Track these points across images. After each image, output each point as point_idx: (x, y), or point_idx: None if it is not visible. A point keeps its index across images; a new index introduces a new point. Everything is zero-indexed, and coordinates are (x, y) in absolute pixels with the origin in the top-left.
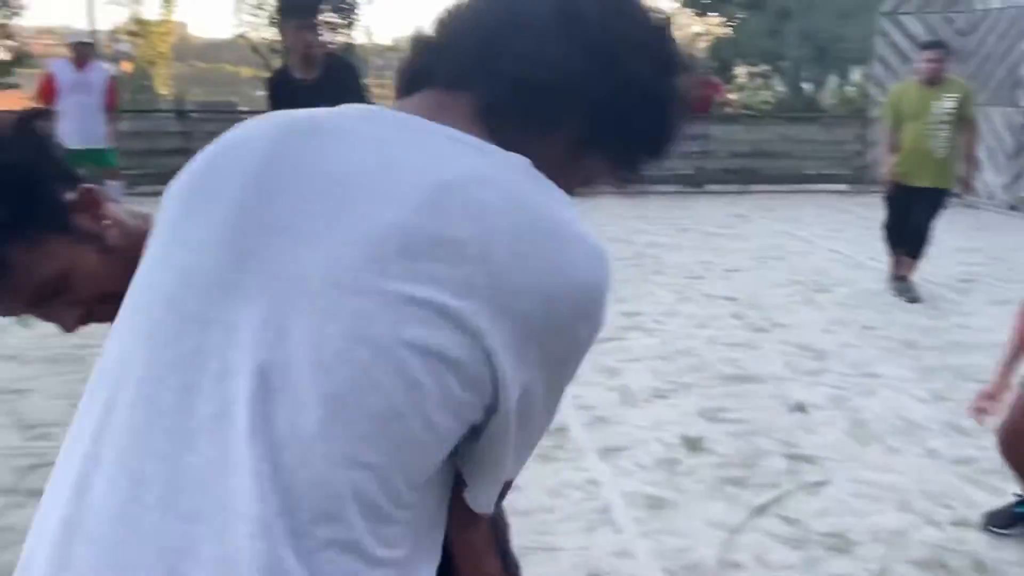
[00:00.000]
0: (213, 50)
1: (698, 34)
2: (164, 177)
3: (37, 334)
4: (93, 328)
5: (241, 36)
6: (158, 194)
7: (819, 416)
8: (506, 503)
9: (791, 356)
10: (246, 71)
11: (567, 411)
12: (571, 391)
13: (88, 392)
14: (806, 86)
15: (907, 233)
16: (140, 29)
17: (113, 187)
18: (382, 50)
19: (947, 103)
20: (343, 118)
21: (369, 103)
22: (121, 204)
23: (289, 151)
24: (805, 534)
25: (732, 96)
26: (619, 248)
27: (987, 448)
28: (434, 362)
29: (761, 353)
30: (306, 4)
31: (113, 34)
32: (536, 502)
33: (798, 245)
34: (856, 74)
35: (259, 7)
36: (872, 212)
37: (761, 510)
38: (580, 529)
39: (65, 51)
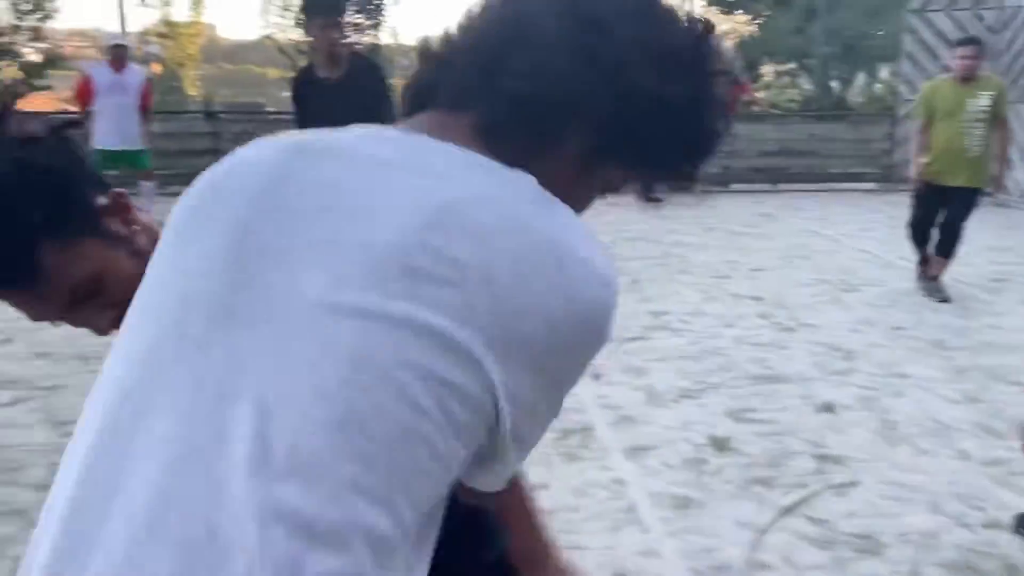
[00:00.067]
0: (240, 51)
1: (724, 32)
2: (193, 178)
3: (68, 332)
4: None
5: (268, 37)
6: None
7: (848, 416)
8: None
9: (819, 356)
10: (273, 72)
11: (592, 410)
12: (596, 390)
13: (84, 412)
14: (833, 84)
15: (939, 233)
16: (169, 31)
17: (147, 188)
18: (407, 50)
19: (982, 101)
20: (347, 140)
21: (392, 104)
22: (151, 208)
23: (292, 173)
24: (833, 535)
25: (759, 94)
26: (645, 247)
27: (1020, 450)
28: (436, 387)
29: (788, 353)
30: (332, 2)
31: (143, 36)
32: (561, 501)
33: (825, 244)
34: (884, 72)
35: (286, 8)
36: (901, 211)
37: (789, 510)
38: (606, 528)
39: (95, 53)
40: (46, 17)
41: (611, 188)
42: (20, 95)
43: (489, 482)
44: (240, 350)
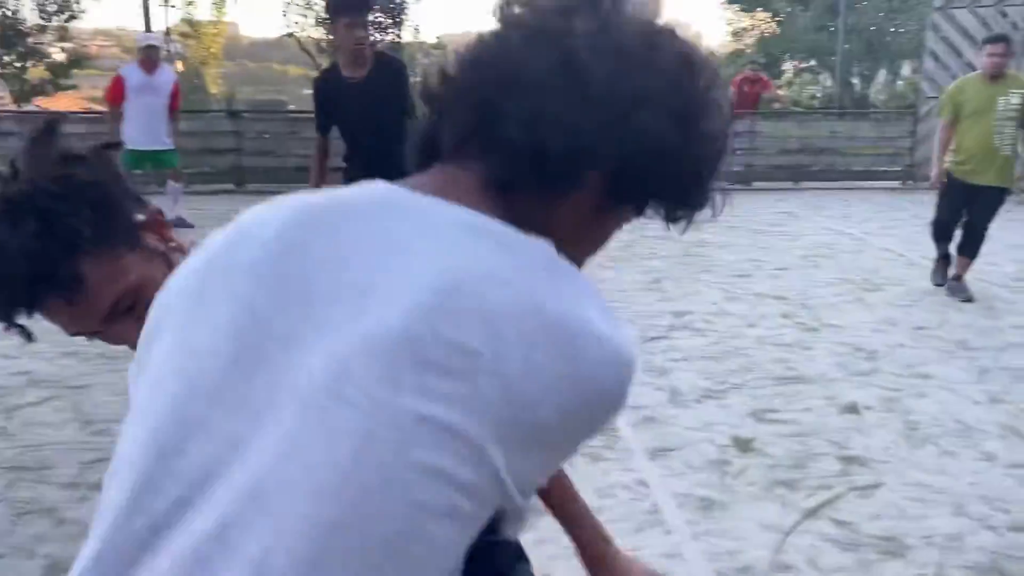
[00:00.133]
0: (262, 49)
1: (745, 29)
2: (217, 176)
3: None
4: None
5: (290, 35)
6: (212, 193)
7: (871, 417)
8: None
9: (842, 356)
10: (294, 70)
11: None
12: None
13: (104, 489)
14: (855, 81)
15: (963, 232)
16: (192, 30)
17: (173, 188)
18: (428, 48)
19: (1013, 99)
20: (353, 208)
21: (414, 105)
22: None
23: (298, 246)
24: (857, 537)
25: (780, 92)
26: (667, 246)
27: None
28: (443, 486)
29: (812, 353)
30: (357, 1)
31: (166, 35)
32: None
33: (848, 243)
34: (906, 68)
35: (308, 7)
36: (924, 210)
37: (813, 512)
38: (629, 530)
39: (119, 52)
40: (72, 17)
41: (625, 222)
42: (47, 95)
43: (508, 531)
44: (242, 440)
